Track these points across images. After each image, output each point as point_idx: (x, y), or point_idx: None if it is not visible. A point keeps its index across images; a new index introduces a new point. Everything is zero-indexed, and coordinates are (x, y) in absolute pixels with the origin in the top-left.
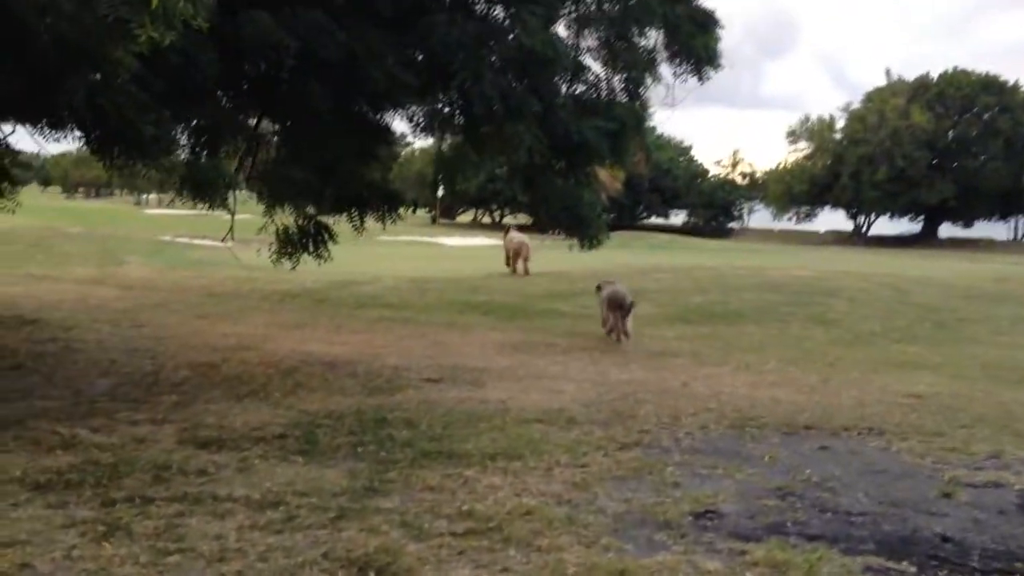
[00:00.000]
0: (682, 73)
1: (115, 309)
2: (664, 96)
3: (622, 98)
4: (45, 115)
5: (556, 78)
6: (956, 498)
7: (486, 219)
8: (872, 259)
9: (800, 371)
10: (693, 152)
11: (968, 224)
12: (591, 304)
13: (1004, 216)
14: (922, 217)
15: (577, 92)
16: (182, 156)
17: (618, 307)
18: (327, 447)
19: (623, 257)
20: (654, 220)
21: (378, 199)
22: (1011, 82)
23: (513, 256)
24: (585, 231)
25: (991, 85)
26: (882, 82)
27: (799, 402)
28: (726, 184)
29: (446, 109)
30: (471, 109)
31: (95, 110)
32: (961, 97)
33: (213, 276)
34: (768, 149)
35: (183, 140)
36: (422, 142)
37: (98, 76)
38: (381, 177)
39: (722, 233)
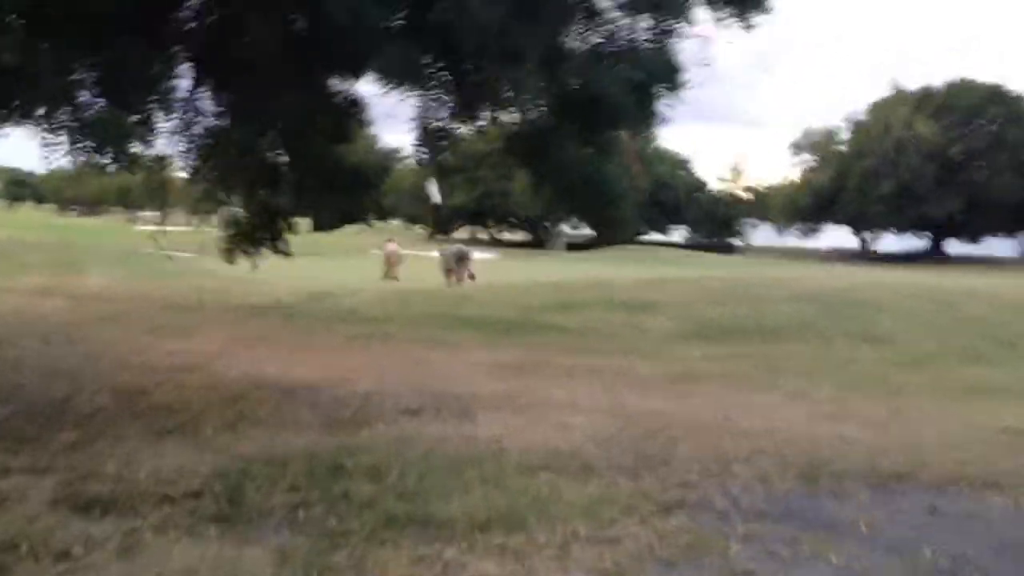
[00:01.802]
0: (724, 17)
1: (55, 322)
2: (698, 53)
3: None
4: None
5: (564, 15)
6: None
7: (482, 235)
8: (886, 275)
9: (862, 400)
10: (691, 166)
11: (975, 240)
12: (597, 317)
13: (1012, 231)
14: (928, 233)
15: (592, 42)
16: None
17: (462, 258)
18: (256, 510)
19: (625, 270)
20: (653, 236)
21: (347, 184)
22: (1017, 92)
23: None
24: (609, 211)
25: (998, 96)
26: (886, 93)
27: (875, 441)
28: (727, 198)
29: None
30: (456, 49)
31: None
32: (967, 108)
33: (179, 287)
34: (766, 166)
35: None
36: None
37: None
38: (352, 161)
39: (725, 249)
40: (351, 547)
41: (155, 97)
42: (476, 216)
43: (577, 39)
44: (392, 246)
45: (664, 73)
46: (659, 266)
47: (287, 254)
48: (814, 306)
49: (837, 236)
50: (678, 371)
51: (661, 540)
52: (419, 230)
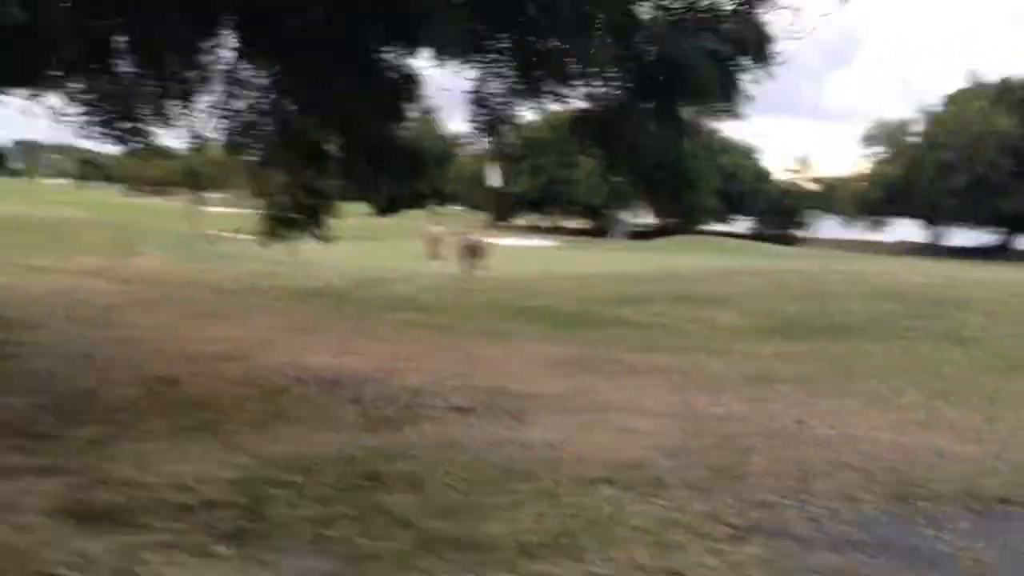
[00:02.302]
0: None
1: (99, 305)
2: (789, 23)
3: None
4: None
5: None
6: None
7: (544, 222)
8: (965, 270)
9: (953, 408)
10: (757, 156)
11: None
12: (663, 311)
13: None
14: (1002, 228)
15: (671, 8)
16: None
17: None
18: (279, 525)
19: (691, 260)
20: (714, 227)
21: (399, 167)
22: None
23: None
24: (687, 197)
25: None
26: (962, 85)
27: (972, 457)
28: (793, 189)
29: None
30: (518, 16)
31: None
32: None
33: (231, 271)
34: (835, 158)
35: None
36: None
37: None
38: (405, 143)
39: (789, 241)
40: (379, 574)
41: (195, 67)
42: (538, 203)
43: (654, 6)
44: (437, 229)
45: (751, 44)
46: (724, 256)
47: (326, 240)
48: (894, 303)
49: (904, 230)
50: (750, 371)
51: (734, 570)
52: (481, 216)
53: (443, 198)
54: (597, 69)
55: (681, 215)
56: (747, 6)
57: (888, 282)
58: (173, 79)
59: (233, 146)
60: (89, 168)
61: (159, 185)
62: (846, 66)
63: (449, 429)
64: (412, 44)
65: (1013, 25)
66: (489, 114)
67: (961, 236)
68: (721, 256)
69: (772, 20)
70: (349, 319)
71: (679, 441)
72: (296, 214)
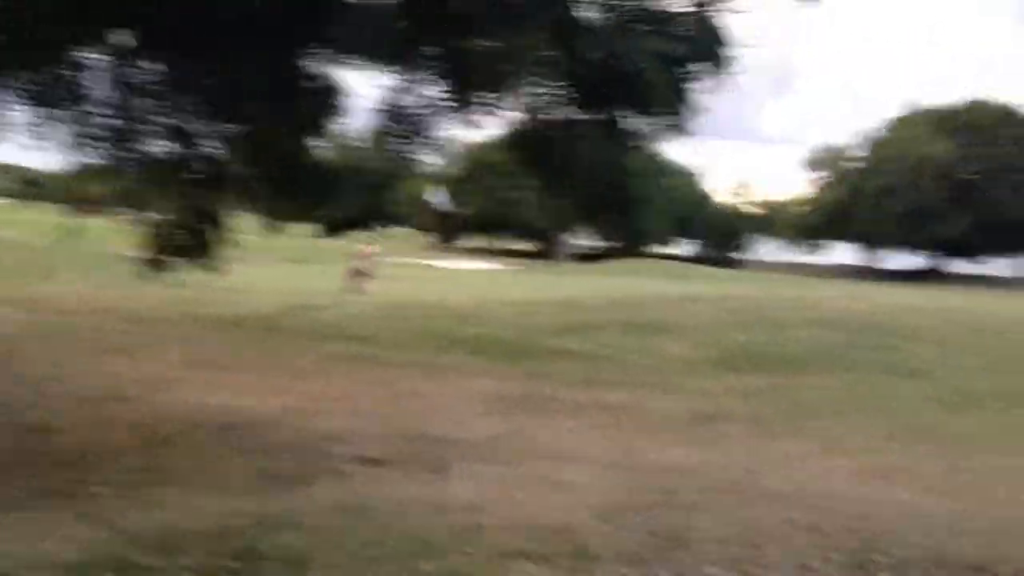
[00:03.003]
0: None
1: None
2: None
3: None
4: None
5: None
6: None
7: (487, 244)
8: (905, 295)
9: (911, 452)
10: (699, 179)
11: (974, 259)
12: (609, 341)
13: (1016, 251)
14: (937, 252)
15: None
16: None
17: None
18: None
19: (637, 284)
20: (658, 249)
21: (313, 183)
22: None
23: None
24: (635, 219)
25: (1012, 117)
26: (901, 112)
27: (937, 512)
28: (734, 213)
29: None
30: (445, 14)
31: None
32: (985, 128)
33: (152, 297)
34: (775, 183)
35: None
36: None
37: None
38: (313, 158)
39: (731, 263)
40: None
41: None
42: (484, 225)
43: (600, 4)
44: (364, 252)
45: (707, 47)
46: (670, 281)
47: (215, 271)
48: (841, 332)
49: (841, 253)
50: (698, 409)
51: None
52: (427, 238)
53: (390, 220)
54: (534, 75)
55: (627, 238)
56: (701, 6)
57: (834, 309)
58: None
59: (112, 162)
60: (30, 187)
61: (96, 204)
62: (788, 92)
63: (355, 487)
64: (325, 44)
65: (954, 51)
66: (408, 131)
67: (896, 259)
68: (667, 280)
69: (724, 24)
70: (270, 351)
71: (617, 498)
72: (183, 241)
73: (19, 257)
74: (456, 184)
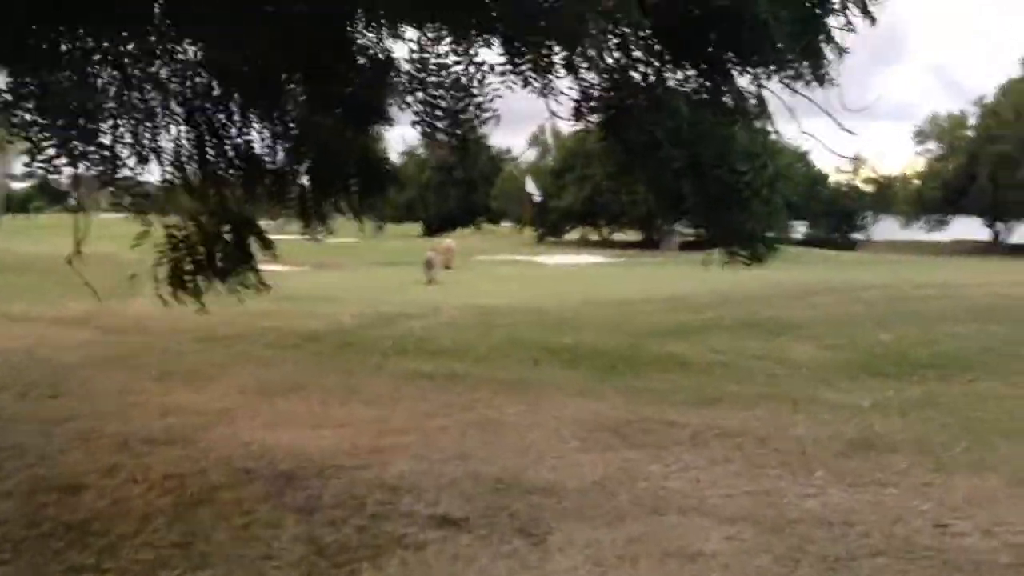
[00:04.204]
0: None
1: (57, 364)
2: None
3: None
4: None
5: None
6: None
7: (593, 235)
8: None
9: None
10: (810, 158)
11: None
12: (727, 345)
13: None
14: None
15: None
16: None
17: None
18: None
19: (749, 275)
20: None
21: (365, 179)
22: None
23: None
24: (745, 212)
25: None
26: (1016, 74)
27: None
28: (848, 191)
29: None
30: None
31: None
32: None
33: (229, 311)
34: (886, 159)
35: None
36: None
37: None
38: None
39: (847, 245)
40: None
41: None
42: (585, 216)
43: None
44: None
45: None
46: (785, 267)
47: (250, 290)
48: (1004, 327)
49: (964, 228)
50: (845, 432)
51: None
52: (529, 232)
53: (491, 215)
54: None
55: (737, 235)
56: None
57: (984, 296)
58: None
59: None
60: (142, 200)
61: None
62: (894, 64)
63: (430, 561)
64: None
65: None
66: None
67: (1021, 233)
68: (782, 267)
69: None
70: (343, 371)
71: (777, 573)
72: (211, 252)
73: (106, 272)
74: (554, 175)
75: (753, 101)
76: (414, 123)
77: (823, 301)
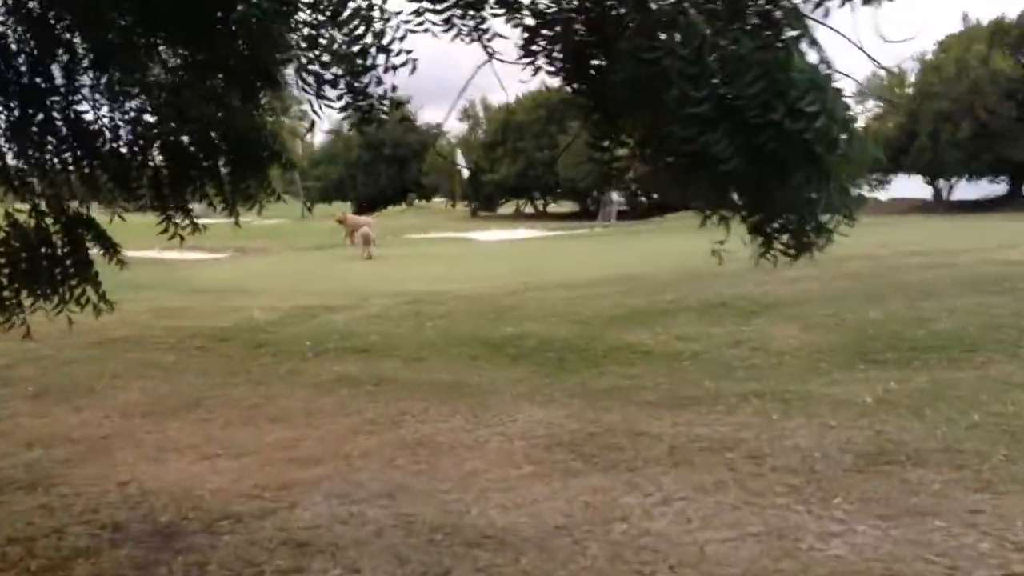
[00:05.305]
0: None
1: None
2: None
3: None
4: None
5: None
6: None
7: (528, 208)
8: (984, 227)
9: None
10: None
11: None
12: (695, 333)
13: None
14: (1004, 178)
15: None
16: None
17: None
18: None
19: (701, 246)
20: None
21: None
22: None
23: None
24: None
25: None
26: (955, 29)
27: None
28: None
29: None
30: None
31: None
32: None
33: (129, 309)
34: None
35: None
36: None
37: None
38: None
39: None
40: None
41: None
42: (520, 189)
43: None
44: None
45: None
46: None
47: (81, 306)
48: (1005, 298)
49: (904, 186)
50: (858, 443)
51: None
52: (461, 207)
53: (425, 191)
54: None
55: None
56: None
57: (984, 263)
58: None
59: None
60: None
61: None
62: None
63: None
64: None
65: None
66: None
67: (962, 190)
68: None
69: None
70: (252, 380)
71: None
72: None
73: None
74: (485, 148)
75: (778, 13)
76: (298, 75)
77: (799, 275)
